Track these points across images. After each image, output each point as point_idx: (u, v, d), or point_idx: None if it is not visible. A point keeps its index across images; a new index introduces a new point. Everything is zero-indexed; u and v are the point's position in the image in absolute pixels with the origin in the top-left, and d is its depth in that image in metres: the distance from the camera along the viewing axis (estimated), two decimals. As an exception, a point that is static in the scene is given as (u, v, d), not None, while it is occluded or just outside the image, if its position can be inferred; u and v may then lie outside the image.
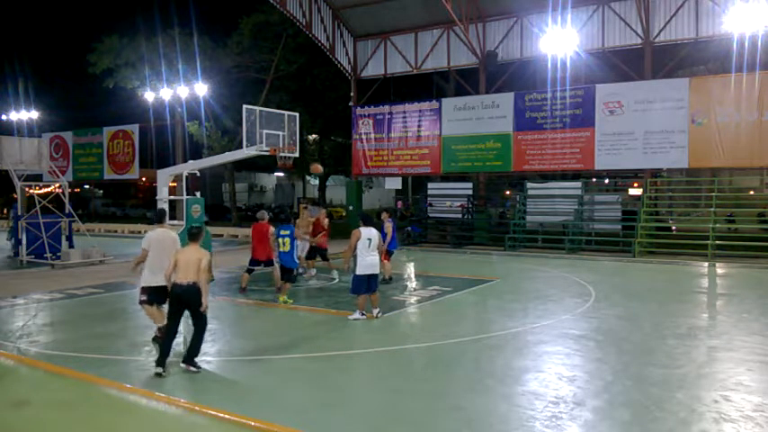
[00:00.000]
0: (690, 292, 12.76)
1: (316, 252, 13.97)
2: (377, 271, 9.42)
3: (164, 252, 7.45)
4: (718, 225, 18.75)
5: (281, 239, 11.02)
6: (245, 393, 6.15)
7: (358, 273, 9.25)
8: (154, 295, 7.61)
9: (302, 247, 13.49)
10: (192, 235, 7.03)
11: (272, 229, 11.30)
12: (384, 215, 13.54)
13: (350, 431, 5.20)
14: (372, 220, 9.77)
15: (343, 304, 10.71)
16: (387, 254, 12.75)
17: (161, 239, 7.68)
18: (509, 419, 5.37)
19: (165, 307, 7.28)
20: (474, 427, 5.23)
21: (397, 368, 7.04)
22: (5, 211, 38.88)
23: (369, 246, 9.25)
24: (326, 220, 14.31)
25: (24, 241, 16.67)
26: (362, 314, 9.40)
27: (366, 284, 9.29)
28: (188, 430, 5.30)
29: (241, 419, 5.29)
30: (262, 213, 12.24)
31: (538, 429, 5.13)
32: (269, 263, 11.64)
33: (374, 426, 5.32)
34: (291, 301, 10.89)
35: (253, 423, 5.21)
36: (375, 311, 9.53)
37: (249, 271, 11.97)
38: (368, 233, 9.32)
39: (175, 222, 15.64)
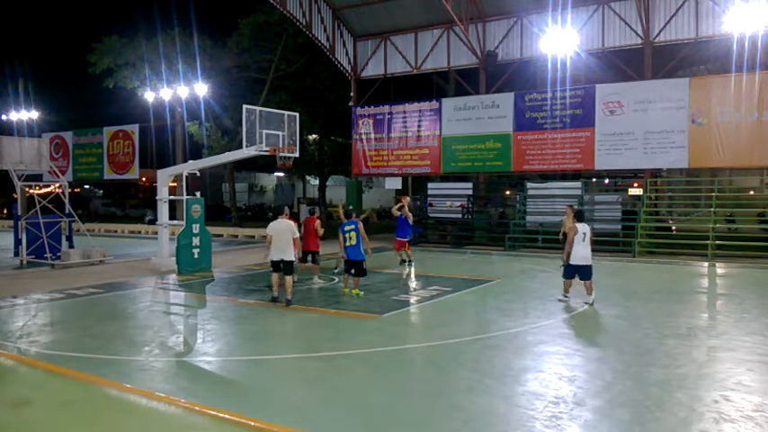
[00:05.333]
0: (690, 292, 12.75)
1: (308, 255, 13.05)
2: (589, 262, 10.47)
3: (284, 236, 10.55)
4: (718, 225, 18.75)
5: (347, 234, 11.29)
6: (245, 393, 6.15)
7: (571, 262, 10.37)
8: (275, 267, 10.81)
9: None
10: None
11: (292, 224, 11.29)
12: (405, 209, 15.22)
13: (350, 431, 5.20)
14: (585, 215, 10.65)
15: (343, 304, 10.72)
16: (406, 242, 15.22)
17: (281, 228, 10.61)
18: (509, 419, 5.37)
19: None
20: (474, 427, 5.23)
21: (397, 368, 7.03)
22: (5, 211, 38.90)
23: (583, 239, 10.35)
24: (318, 222, 13.24)
25: (24, 241, 16.67)
26: (566, 296, 10.64)
27: (576, 272, 10.43)
28: (188, 430, 5.30)
29: (241, 419, 5.29)
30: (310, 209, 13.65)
31: (538, 429, 5.12)
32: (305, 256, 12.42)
33: (374, 426, 5.31)
34: (363, 294, 11.32)
35: (253, 423, 5.20)
36: (590, 299, 10.44)
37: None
38: (583, 228, 10.41)
39: (175, 222, 15.68)
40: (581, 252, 10.38)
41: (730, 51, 19.06)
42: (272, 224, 10.81)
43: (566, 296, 10.75)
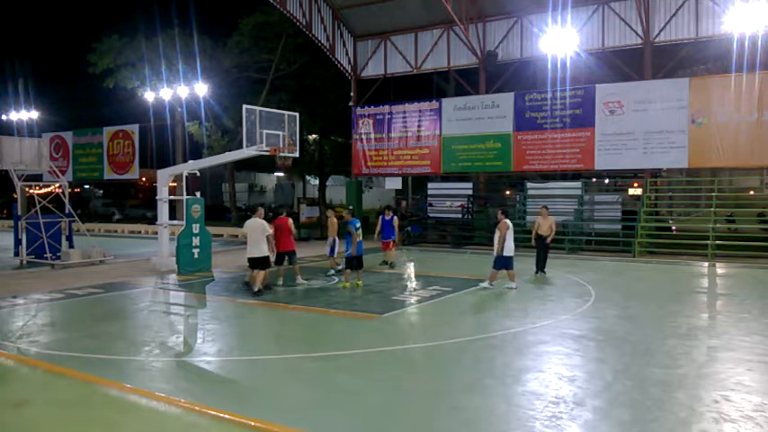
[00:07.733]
0: (690, 292, 12.75)
1: (283, 256, 12.75)
2: (513, 253, 12.13)
3: (254, 234, 11.49)
4: (718, 225, 18.75)
5: (358, 231, 12.30)
6: (245, 393, 6.15)
7: (505, 254, 11.87)
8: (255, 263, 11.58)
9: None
10: None
11: (264, 222, 12.02)
12: (387, 212, 16.20)
13: (350, 431, 5.20)
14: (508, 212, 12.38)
15: (342, 304, 10.73)
16: (392, 242, 15.92)
17: (253, 226, 11.57)
18: (509, 419, 5.37)
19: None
20: (474, 427, 5.23)
21: (397, 368, 7.03)
22: (5, 211, 38.88)
23: (511, 234, 11.97)
24: (290, 221, 13.16)
25: (24, 241, 16.66)
26: (492, 285, 11.98)
27: (505, 263, 11.95)
28: (188, 430, 5.30)
29: (241, 419, 5.29)
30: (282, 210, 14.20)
31: (538, 429, 5.12)
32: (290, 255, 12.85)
33: (374, 426, 5.31)
34: (360, 284, 12.37)
35: (253, 423, 5.21)
36: (513, 285, 12.00)
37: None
38: (510, 223, 12.02)
39: (175, 222, 15.68)
40: (511, 245, 11.94)
41: (730, 51, 19.05)
42: (246, 222, 11.96)
43: (492, 285, 12.03)
